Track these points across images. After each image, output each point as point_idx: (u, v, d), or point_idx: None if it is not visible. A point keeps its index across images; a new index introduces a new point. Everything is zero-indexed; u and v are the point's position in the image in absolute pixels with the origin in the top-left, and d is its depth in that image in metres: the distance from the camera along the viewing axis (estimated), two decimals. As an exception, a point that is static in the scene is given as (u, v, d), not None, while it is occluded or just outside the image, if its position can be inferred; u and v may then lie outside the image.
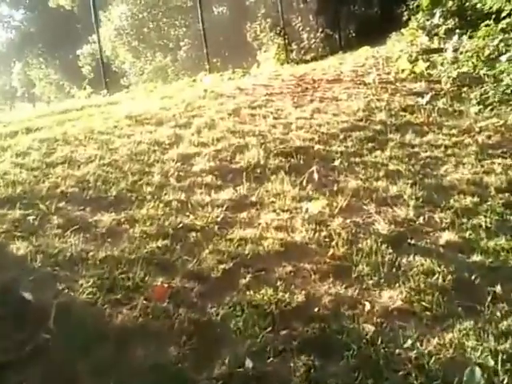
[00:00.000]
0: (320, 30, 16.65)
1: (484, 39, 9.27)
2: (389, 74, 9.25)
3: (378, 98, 7.59)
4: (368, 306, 3.03)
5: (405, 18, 16.44)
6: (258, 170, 4.96)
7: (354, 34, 17.45)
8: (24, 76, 36.23)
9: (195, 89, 9.28)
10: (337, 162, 5.16)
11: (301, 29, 16.41)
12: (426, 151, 5.58)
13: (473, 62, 8.46)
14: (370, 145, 5.71)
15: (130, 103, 8.15)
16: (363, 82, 8.57)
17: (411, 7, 15.56)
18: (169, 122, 6.38)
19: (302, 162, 5.19)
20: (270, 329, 2.78)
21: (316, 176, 4.72)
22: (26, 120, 6.99)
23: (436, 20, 13.89)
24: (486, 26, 9.58)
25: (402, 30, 14.96)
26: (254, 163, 5.06)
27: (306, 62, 15.02)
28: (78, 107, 7.88)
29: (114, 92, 12.58)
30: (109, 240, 3.60)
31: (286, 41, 15.42)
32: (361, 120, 6.53)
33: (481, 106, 6.84)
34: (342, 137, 5.92)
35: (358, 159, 5.31)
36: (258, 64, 14.80)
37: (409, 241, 3.78)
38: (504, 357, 2.59)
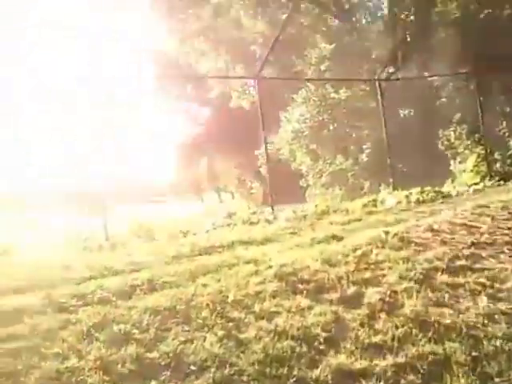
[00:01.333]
0: (531, 136, 13.94)
1: None
2: None
3: None
4: None
5: None
6: None
7: None
8: (208, 169, 38.12)
9: (373, 222, 7.42)
10: None
11: (506, 135, 13.86)
12: None
13: None
14: None
15: (287, 241, 6.55)
16: None
17: None
18: (330, 292, 4.55)
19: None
20: None
21: None
22: (162, 254, 5.75)
23: None
24: None
25: None
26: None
27: (514, 175, 12.40)
28: (226, 243, 6.51)
29: (286, 196, 11.44)
30: None
31: (488, 150, 12.97)
32: None
33: None
34: None
35: None
36: (452, 178, 12.56)
37: None
38: None
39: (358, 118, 18.38)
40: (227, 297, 4.51)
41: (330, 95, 18.89)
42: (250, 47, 22.18)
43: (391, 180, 11.87)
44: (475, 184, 11.50)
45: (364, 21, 22.72)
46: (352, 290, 4.58)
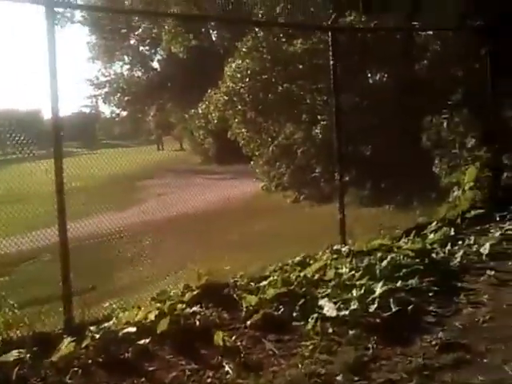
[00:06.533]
0: None
1: None
2: None
3: None
4: None
5: None
6: None
7: None
8: (160, 118, 34.50)
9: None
10: None
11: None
12: None
13: None
14: None
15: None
16: None
17: None
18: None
19: None
20: None
21: None
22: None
23: None
24: None
25: None
26: None
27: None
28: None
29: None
30: None
31: None
32: None
33: None
34: None
35: None
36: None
37: None
38: None
39: (315, 81, 13.84)
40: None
41: (283, 47, 14.33)
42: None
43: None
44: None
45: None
46: None
